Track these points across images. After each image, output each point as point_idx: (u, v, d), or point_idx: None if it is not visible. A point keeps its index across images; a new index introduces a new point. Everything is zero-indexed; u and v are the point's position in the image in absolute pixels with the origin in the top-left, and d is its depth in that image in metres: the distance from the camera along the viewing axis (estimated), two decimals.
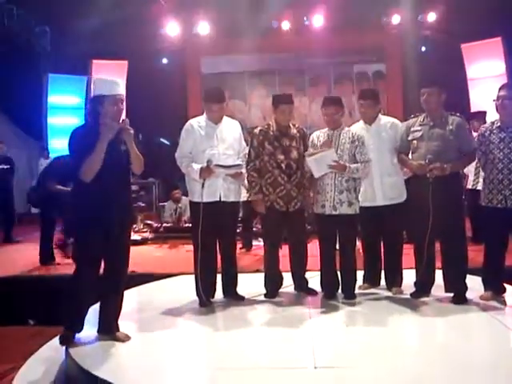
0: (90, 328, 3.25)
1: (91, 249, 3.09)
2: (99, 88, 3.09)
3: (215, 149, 3.79)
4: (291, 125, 4.00)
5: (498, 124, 3.73)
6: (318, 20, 10.47)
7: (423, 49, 10.72)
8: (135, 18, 9.88)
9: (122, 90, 3.16)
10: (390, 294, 4.01)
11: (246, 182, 4.04)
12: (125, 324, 3.31)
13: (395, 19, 10.43)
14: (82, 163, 2.97)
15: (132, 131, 3.08)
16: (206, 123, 3.87)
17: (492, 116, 4.08)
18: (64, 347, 3.18)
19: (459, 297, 3.71)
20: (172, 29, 10.71)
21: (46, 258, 5.63)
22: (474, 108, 9.78)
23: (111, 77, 3.31)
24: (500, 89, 3.71)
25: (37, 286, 4.85)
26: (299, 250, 4.01)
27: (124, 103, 3.12)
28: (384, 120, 4.10)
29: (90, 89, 11.22)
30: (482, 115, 5.93)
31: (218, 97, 3.86)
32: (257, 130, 4.01)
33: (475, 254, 4.20)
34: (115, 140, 3.04)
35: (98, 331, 3.24)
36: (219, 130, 3.86)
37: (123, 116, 3.14)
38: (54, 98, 11.23)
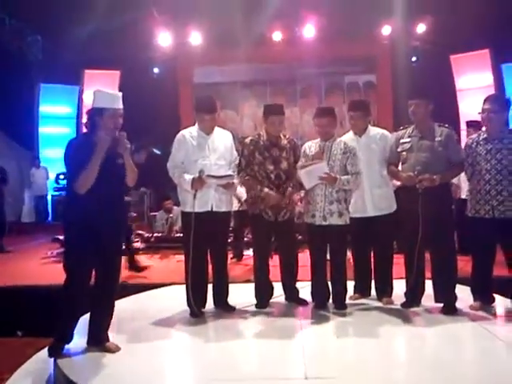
0: (79, 339, 3.22)
1: (81, 259, 3.08)
2: (100, 100, 3.10)
3: (207, 159, 3.80)
4: (282, 136, 4.02)
5: (485, 136, 3.78)
6: (309, 30, 10.57)
7: (413, 59, 10.84)
8: (128, 28, 9.90)
9: (121, 104, 3.16)
10: (380, 304, 4.02)
11: (237, 192, 4.05)
12: (115, 334, 3.30)
13: (386, 30, 10.55)
14: (76, 175, 2.98)
15: (129, 145, 3.11)
16: (198, 133, 3.87)
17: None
18: (52, 359, 3.16)
19: (449, 307, 3.73)
20: (164, 39, 10.76)
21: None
22: (463, 119, 9.90)
23: (112, 90, 3.30)
24: (485, 101, 3.74)
25: (25, 296, 4.81)
26: (289, 260, 4.01)
27: (122, 118, 3.14)
28: (374, 131, 4.12)
29: (81, 99, 11.24)
30: (478, 124, 5.98)
31: (209, 107, 3.86)
32: (247, 140, 4.02)
33: (464, 264, 4.22)
34: (112, 153, 3.06)
35: (88, 342, 3.21)
36: (211, 141, 3.86)
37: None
38: (45, 108, 11.23)
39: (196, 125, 3.92)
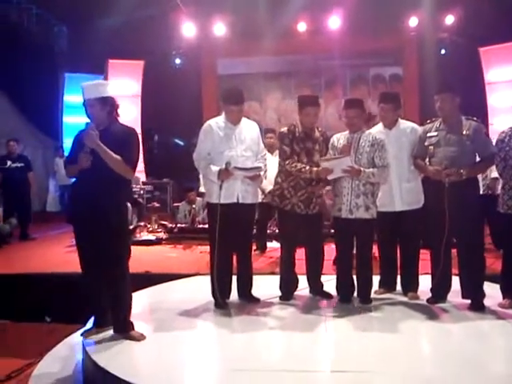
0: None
1: (78, 245, 3.25)
2: (84, 93, 3.20)
3: (233, 150, 3.79)
4: (315, 128, 3.99)
5: None
6: (334, 22, 10.43)
7: (442, 52, 10.64)
8: (153, 19, 9.95)
9: (96, 93, 3.17)
10: (405, 299, 3.99)
11: (262, 184, 4.04)
12: (140, 323, 3.34)
13: (413, 22, 10.35)
14: (66, 165, 3.29)
15: (94, 133, 3.06)
16: (225, 124, 3.85)
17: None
18: (81, 345, 3.22)
19: (476, 304, 3.68)
20: (188, 30, 10.76)
21: None
22: (491, 112, 9.70)
23: (89, 82, 3.31)
24: None
25: (53, 283, 4.89)
26: (316, 253, 4.00)
27: (97, 106, 3.15)
28: (404, 125, 4.07)
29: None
30: None
31: (236, 98, 3.85)
32: (285, 129, 3.97)
33: (494, 261, 4.15)
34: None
35: (113, 330, 3.27)
36: (238, 131, 3.85)
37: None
38: (70, 98, 11.34)
39: (223, 115, 3.92)
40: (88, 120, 3.19)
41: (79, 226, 3.22)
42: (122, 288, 3.21)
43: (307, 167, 3.80)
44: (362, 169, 3.71)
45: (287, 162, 3.87)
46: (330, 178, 3.81)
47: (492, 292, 3.79)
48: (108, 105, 3.19)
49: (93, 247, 3.17)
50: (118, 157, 3.07)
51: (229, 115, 3.86)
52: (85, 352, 3.12)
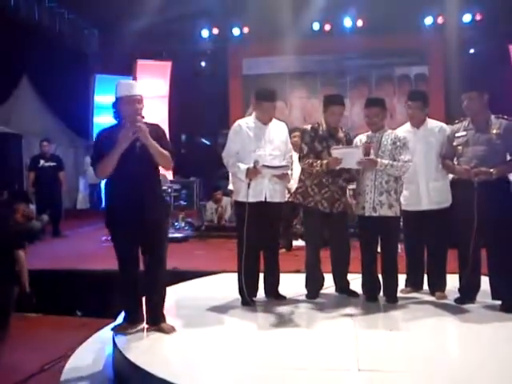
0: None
1: (120, 244, 3.29)
2: (117, 91, 3.27)
3: (262, 150, 3.82)
4: (339, 128, 4.00)
5: None
6: (359, 22, 10.41)
7: (471, 50, 10.46)
8: (179, 20, 10.09)
9: (138, 91, 3.27)
10: (432, 298, 3.95)
11: (290, 183, 4.06)
12: (168, 319, 3.39)
13: (439, 20, 10.23)
14: (96, 162, 3.24)
15: (143, 127, 3.13)
16: (255, 124, 3.89)
17: None
18: (112, 339, 3.31)
19: (508, 304, 3.61)
20: (215, 30, 10.87)
21: None
22: None
23: (130, 80, 3.48)
24: None
25: (85, 278, 5.02)
26: (341, 251, 4.00)
27: (141, 103, 3.24)
28: (432, 124, 4.03)
29: None
30: None
31: (270, 95, 3.88)
32: (308, 127, 4.02)
33: None
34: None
35: (146, 322, 3.36)
36: (267, 131, 3.88)
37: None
38: (100, 98, 11.57)
39: (253, 115, 3.95)
40: (114, 118, 3.29)
41: (122, 226, 3.24)
42: (161, 279, 3.32)
43: (318, 161, 3.82)
44: (378, 160, 3.70)
45: (303, 161, 3.90)
46: (337, 167, 3.79)
47: None
48: (143, 103, 3.31)
49: (135, 244, 3.27)
50: (164, 150, 3.21)
51: (261, 112, 3.88)
52: (115, 346, 3.20)
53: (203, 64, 11.79)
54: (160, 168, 3.37)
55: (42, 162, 7.70)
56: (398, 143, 3.79)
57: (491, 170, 3.53)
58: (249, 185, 3.74)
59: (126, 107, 3.21)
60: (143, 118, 3.23)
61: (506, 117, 3.72)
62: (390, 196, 3.78)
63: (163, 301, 3.37)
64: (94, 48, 11.85)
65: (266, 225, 3.86)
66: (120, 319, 3.51)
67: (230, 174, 4.01)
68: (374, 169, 3.74)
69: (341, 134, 3.99)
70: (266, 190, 3.83)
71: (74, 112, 10.93)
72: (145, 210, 3.19)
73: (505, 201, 3.70)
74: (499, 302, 3.67)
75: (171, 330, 3.29)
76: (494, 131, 3.63)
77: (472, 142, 3.69)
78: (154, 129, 3.32)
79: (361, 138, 3.96)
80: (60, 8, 10.47)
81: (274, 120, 3.96)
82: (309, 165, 3.87)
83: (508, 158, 3.71)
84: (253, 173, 3.71)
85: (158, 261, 3.32)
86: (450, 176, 4.09)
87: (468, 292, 3.79)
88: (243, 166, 3.76)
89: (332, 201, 3.89)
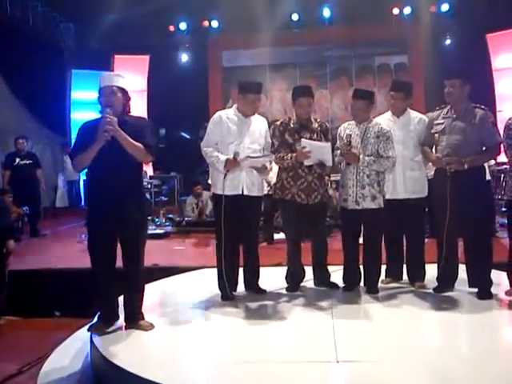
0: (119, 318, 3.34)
1: (94, 241, 3.24)
2: (99, 83, 3.27)
3: (241, 143, 3.78)
4: (313, 119, 3.98)
5: None
6: (338, 12, 10.39)
7: (447, 39, 10.53)
8: (157, 13, 9.95)
9: (116, 82, 3.24)
10: (412, 288, 3.98)
11: (269, 176, 4.03)
12: (148, 316, 3.37)
13: (416, 9, 10.26)
14: (73, 155, 3.24)
15: (112, 119, 3.08)
16: (236, 116, 3.85)
17: None
18: (89, 338, 3.26)
19: (484, 292, 3.66)
20: (194, 23, 10.76)
21: None
22: (499, 99, 9.60)
23: (111, 73, 3.47)
24: None
25: (62, 278, 4.95)
26: (319, 243, 4.00)
27: (116, 95, 3.20)
28: (413, 114, 4.06)
29: None
30: None
31: (255, 87, 3.86)
32: (278, 122, 4.01)
33: (501, 248, 4.12)
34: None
35: (124, 321, 3.32)
36: (247, 124, 3.84)
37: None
38: (77, 94, 11.39)
39: (234, 107, 3.91)
40: (97, 113, 3.24)
41: (100, 222, 3.20)
42: (137, 277, 3.28)
43: (288, 154, 3.81)
44: (360, 155, 3.69)
45: (275, 155, 3.88)
46: (306, 163, 3.77)
47: (499, 280, 3.76)
48: (126, 97, 3.27)
49: (111, 242, 3.22)
50: (137, 143, 3.14)
51: (244, 105, 3.83)
52: (93, 346, 3.16)
53: (182, 57, 11.67)
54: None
55: (17, 160, 7.54)
56: (381, 137, 3.79)
57: (463, 160, 3.55)
58: (225, 176, 3.70)
59: (103, 98, 3.22)
60: (126, 109, 3.24)
61: (482, 107, 3.74)
62: (372, 188, 3.78)
63: (141, 298, 3.33)
64: (69, 43, 11.63)
65: (244, 218, 3.83)
66: (95, 318, 3.45)
67: (210, 167, 3.96)
68: (356, 163, 3.73)
69: (315, 125, 3.97)
70: (244, 184, 3.79)
71: (51, 108, 10.72)
72: (122, 204, 3.14)
73: (478, 189, 3.71)
74: (476, 290, 3.70)
75: (149, 327, 3.26)
76: (471, 120, 3.65)
77: (448, 131, 3.70)
78: (136, 121, 3.29)
79: (345, 127, 3.95)
80: (33, 1, 10.23)
81: (255, 114, 3.92)
82: (280, 158, 3.86)
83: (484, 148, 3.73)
84: (232, 164, 3.66)
85: (134, 258, 3.27)
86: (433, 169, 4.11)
87: (446, 281, 3.82)
88: (223, 157, 3.71)
89: (309, 191, 3.87)
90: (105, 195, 3.15)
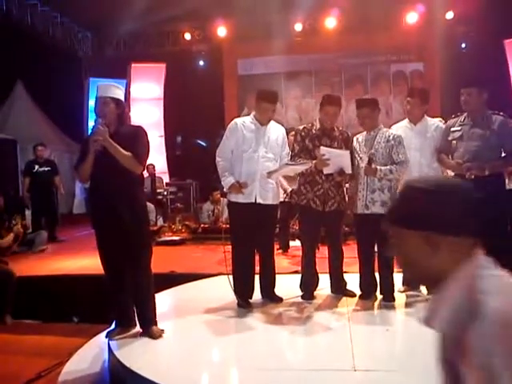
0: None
1: (104, 251, 3.27)
2: (96, 91, 3.28)
3: (256, 151, 3.80)
4: (335, 127, 3.99)
5: None
6: (353, 19, 10.38)
7: (462, 45, 10.46)
8: (173, 22, 10.06)
9: (111, 93, 3.23)
10: (429, 296, 3.92)
11: (285, 184, 4.05)
12: (164, 323, 3.38)
13: (432, 17, 10.21)
14: (76, 167, 3.28)
15: (104, 129, 3.10)
16: (253, 124, 3.87)
17: None
18: (107, 344, 3.29)
19: None
20: (209, 31, 10.85)
21: None
22: None
23: (108, 83, 3.47)
24: None
25: (81, 284, 5.00)
26: (335, 251, 3.99)
27: (109, 105, 3.19)
28: (430, 121, 4.05)
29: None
30: None
31: (272, 97, 3.89)
32: (300, 127, 4.04)
33: None
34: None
35: (140, 327, 3.33)
36: (264, 133, 3.86)
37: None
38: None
39: (252, 114, 3.94)
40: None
41: (100, 229, 3.28)
42: (143, 283, 3.26)
43: (310, 161, 3.82)
44: (378, 167, 3.70)
45: (294, 159, 3.89)
46: (326, 171, 3.79)
47: None
48: (120, 107, 3.27)
49: (114, 249, 3.24)
50: (127, 152, 3.12)
51: (261, 113, 3.86)
52: (110, 352, 3.18)
53: (198, 65, 11.77)
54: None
55: (36, 167, 7.67)
56: (392, 142, 3.79)
57: (484, 166, 3.52)
58: (237, 182, 3.75)
59: (96, 109, 3.25)
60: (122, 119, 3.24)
61: (501, 113, 3.71)
62: (382, 193, 3.77)
63: (152, 305, 3.32)
64: (87, 52, 11.83)
65: (259, 226, 3.85)
66: (113, 325, 3.48)
67: None
68: (374, 176, 3.75)
69: (336, 133, 3.98)
70: (256, 192, 3.81)
71: (69, 116, 10.90)
72: (115, 210, 3.14)
73: (498, 197, 3.67)
74: None
75: (159, 333, 3.25)
76: (490, 127, 3.62)
77: (466, 137, 3.68)
78: (129, 131, 3.29)
79: (357, 138, 3.97)
80: (53, 12, 10.45)
81: (272, 122, 3.94)
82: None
83: (503, 154, 3.70)
84: (235, 189, 3.75)
85: (137, 265, 3.25)
86: (452, 173, 4.08)
87: None
88: (229, 179, 3.77)
89: (325, 199, 3.87)
90: (100, 201, 3.21)
